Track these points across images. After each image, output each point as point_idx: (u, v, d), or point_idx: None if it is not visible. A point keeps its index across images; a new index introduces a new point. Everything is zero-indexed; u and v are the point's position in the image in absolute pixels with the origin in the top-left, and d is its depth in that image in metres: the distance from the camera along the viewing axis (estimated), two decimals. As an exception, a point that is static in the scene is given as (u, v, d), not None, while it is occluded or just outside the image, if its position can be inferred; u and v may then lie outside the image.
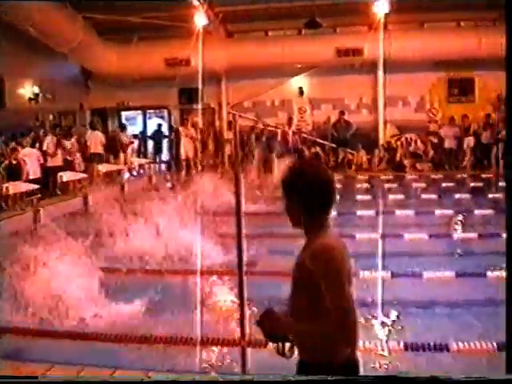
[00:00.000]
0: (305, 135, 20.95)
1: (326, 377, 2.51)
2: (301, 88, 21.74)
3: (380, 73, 20.47)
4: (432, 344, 5.35)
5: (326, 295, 2.54)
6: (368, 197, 14.09)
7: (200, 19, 18.17)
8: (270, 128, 20.54)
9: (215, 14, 19.61)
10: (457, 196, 14.12)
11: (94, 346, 5.78)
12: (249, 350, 4.77)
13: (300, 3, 18.31)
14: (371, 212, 11.45)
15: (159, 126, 22.61)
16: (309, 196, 2.66)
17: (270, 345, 2.79)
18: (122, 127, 20.70)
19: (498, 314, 6.23)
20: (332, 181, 2.71)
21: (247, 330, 4.74)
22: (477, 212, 12.09)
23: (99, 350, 5.65)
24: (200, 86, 20.06)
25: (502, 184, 16.97)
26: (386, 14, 18.16)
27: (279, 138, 20.24)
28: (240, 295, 4.40)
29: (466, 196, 14.55)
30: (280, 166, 20.03)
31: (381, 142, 20.92)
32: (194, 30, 18.08)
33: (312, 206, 2.67)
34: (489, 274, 7.40)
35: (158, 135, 22.52)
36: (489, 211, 12.22)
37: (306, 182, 2.66)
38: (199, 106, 21.04)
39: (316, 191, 2.65)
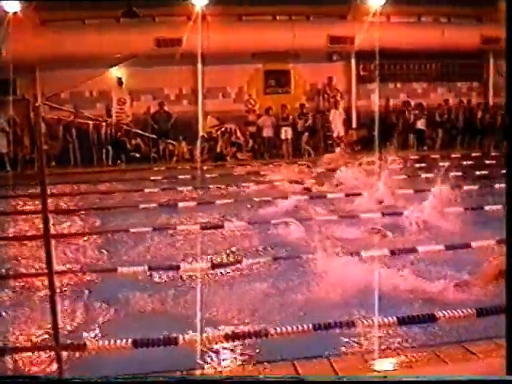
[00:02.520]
0: (125, 126, 20.57)
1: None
2: (120, 78, 21.24)
3: (199, 64, 20.63)
4: (252, 330, 5.47)
5: None
6: (190, 187, 14.19)
7: (10, 5, 17.23)
8: (81, 120, 19.96)
9: (28, 1, 18.64)
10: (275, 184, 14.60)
11: None
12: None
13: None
14: (192, 203, 11.53)
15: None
16: None
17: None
18: None
19: (311, 294, 6.59)
20: None
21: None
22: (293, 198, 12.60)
23: None
24: (11, 77, 19.00)
25: (318, 170, 17.89)
26: (204, 6, 18.37)
27: (91, 129, 19.78)
28: (51, 298, 4.23)
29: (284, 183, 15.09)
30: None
31: (201, 132, 21.10)
32: (5, 17, 17.10)
33: None
34: (303, 256, 7.75)
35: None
36: (304, 197, 12.80)
37: None
38: (11, 98, 19.89)
39: None
